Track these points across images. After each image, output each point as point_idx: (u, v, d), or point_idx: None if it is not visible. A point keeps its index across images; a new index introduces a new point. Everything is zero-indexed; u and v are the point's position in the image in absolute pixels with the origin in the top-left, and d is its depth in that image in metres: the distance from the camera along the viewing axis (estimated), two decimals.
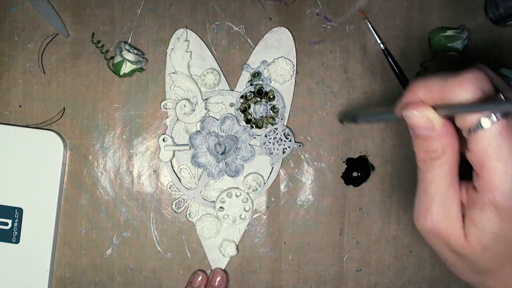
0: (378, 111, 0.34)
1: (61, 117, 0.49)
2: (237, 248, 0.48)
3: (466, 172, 0.27)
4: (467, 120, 0.24)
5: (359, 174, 0.48)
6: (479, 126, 0.23)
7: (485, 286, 0.29)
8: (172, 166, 0.48)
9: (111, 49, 0.48)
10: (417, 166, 0.27)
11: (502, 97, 0.23)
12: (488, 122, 0.23)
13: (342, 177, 0.48)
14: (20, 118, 0.48)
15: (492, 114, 0.23)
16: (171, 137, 0.48)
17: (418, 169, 0.27)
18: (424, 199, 0.26)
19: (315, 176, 0.48)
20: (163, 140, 0.48)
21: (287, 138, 0.48)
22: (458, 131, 0.26)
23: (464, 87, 0.23)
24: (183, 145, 0.48)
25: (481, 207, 0.25)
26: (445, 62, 0.48)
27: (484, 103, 0.23)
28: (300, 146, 0.48)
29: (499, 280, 0.27)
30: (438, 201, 0.26)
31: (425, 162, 0.26)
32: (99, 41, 0.48)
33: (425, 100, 0.26)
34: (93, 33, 0.48)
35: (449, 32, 0.46)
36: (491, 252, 0.25)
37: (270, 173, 0.48)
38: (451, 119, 0.26)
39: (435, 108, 0.25)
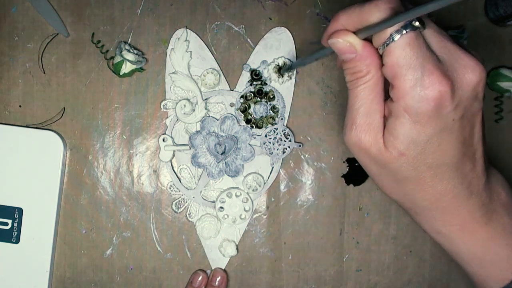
0: (310, 53, 0.37)
1: (61, 117, 0.49)
2: (237, 248, 0.48)
3: None
4: (381, 37, 0.27)
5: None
6: (391, 40, 0.26)
7: (407, 198, 0.30)
8: (172, 166, 0.48)
9: (111, 49, 0.48)
10: (347, 88, 0.30)
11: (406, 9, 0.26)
12: (398, 35, 0.26)
13: (343, 176, 0.48)
14: (20, 118, 0.48)
15: (402, 29, 0.26)
16: (171, 137, 0.48)
17: (348, 90, 0.30)
18: (351, 113, 0.29)
19: (315, 176, 0.48)
20: (163, 140, 0.48)
21: (287, 138, 0.48)
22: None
23: (378, 8, 0.26)
24: (183, 145, 0.48)
25: (395, 114, 0.27)
26: None
27: (392, 17, 0.26)
28: (300, 146, 0.48)
29: (420, 188, 0.29)
30: (362, 113, 0.28)
31: (352, 82, 0.29)
32: (99, 41, 0.48)
33: (347, 27, 0.28)
34: (93, 33, 0.48)
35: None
36: (407, 158, 0.28)
37: (270, 173, 0.48)
38: (371, 42, 0.28)
39: (356, 32, 0.28)
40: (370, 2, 0.27)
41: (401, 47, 0.26)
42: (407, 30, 0.26)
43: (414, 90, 0.26)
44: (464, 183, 0.29)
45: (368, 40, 0.29)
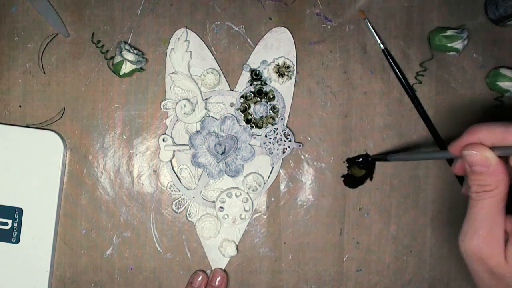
0: (417, 152, 0.37)
1: (61, 117, 0.49)
2: (237, 248, 0.48)
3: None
4: None
5: (364, 165, 0.48)
6: None
7: None
8: (172, 166, 0.48)
9: (111, 49, 0.48)
10: (469, 196, 0.31)
11: None
12: None
13: (342, 176, 0.48)
14: (20, 118, 0.48)
15: None
16: (171, 137, 0.48)
17: (470, 198, 0.31)
18: (473, 224, 0.30)
19: (315, 176, 0.48)
20: (163, 140, 0.48)
21: (287, 138, 0.48)
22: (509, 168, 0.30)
23: None
24: (183, 145, 0.48)
25: None
26: (445, 62, 0.48)
27: None
28: (300, 146, 0.48)
29: None
30: (485, 226, 0.29)
31: (478, 193, 0.30)
32: (99, 41, 0.48)
33: (484, 141, 0.30)
34: (93, 33, 0.48)
35: (449, 32, 0.46)
36: None
37: (270, 173, 0.48)
38: (504, 159, 0.29)
39: (492, 148, 0.29)
40: None
41: None
42: None
43: None
44: None
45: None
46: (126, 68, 0.46)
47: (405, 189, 0.48)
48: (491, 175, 0.29)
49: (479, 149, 0.29)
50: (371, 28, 0.48)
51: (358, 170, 0.48)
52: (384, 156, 0.45)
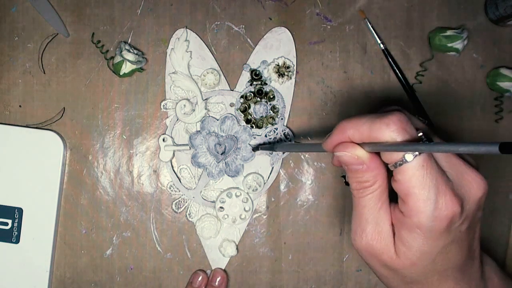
0: (301, 144, 0.37)
1: (61, 117, 0.49)
2: (237, 248, 0.48)
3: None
4: (392, 156, 0.27)
5: None
6: (404, 160, 0.27)
7: None
8: (172, 166, 0.48)
9: (111, 49, 0.48)
10: (352, 193, 0.30)
11: (424, 138, 0.28)
12: (411, 156, 0.26)
13: (343, 176, 0.48)
14: (20, 118, 0.48)
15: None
16: (171, 137, 0.48)
17: (352, 196, 0.30)
18: (359, 221, 0.30)
19: (315, 176, 0.48)
20: (163, 140, 0.48)
21: (287, 138, 0.48)
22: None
23: (390, 128, 0.27)
24: (183, 145, 0.48)
25: (408, 228, 0.28)
26: (445, 62, 0.48)
27: (405, 143, 0.26)
28: None
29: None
30: (371, 222, 0.29)
31: (359, 190, 0.30)
32: (99, 41, 0.48)
33: (353, 138, 0.29)
34: (93, 33, 0.48)
35: (449, 32, 0.46)
36: (418, 266, 0.29)
37: (270, 173, 0.48)
38: (377, 153, 0.29)
39: (363, 145, 0.29)
40: (381, 120, 0.27)
41: (414, 168, 0.26)
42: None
43: (427, 210, 0.27)
44: (465, 278, 0.31)
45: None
46: (126, 68, 0.46)
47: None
48: (367, 171, 0.29)
49: (349, 149, 0.29)
50: (371, 28, 0.48)
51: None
52: (271, 146, 0.44)
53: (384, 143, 0.27)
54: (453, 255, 0.29)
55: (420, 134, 0.28)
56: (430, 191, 0.26)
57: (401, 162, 0.27)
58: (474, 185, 0.28)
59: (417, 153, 0.26)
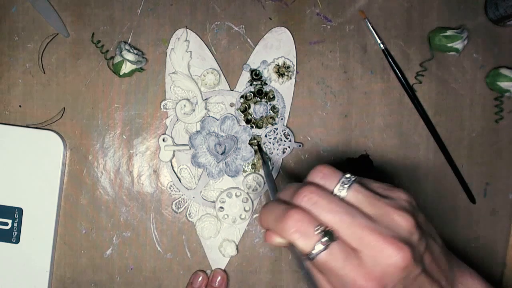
0: (271, 183, 0.39)
1: (61, 117, 0.49)
2: (237, 248, 0.48)
3: None
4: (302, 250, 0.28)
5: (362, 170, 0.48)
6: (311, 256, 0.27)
7: None
8: (172, 166, 0.48)
9: (111, 49, 0.48)
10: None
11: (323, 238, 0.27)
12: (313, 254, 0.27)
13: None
14: (20, 118, 0.48)
15: (314, 254, 0.27)
16: (171, 137, 0.48)
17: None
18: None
19: None
20: (163, 140, 0.48)
21: (287, 138, 0.48)
22: None
23: (290, 234, 0.27)
24: (183, 145, 0.48)
25: None
26: (445, 62, 0.48)
27: (301, 263, 0.28)
28: (300, 146, 0.48)
29: None
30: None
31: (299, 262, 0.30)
32: (99, 41, 0.48)
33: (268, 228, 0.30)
34: (93, 33, 0.48)
35: (449, 32, 0.46)
36: None
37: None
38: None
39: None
40: (281, 223, 0.28)
41: (320, 263, 0.27)
42: (319, 248, 0.27)
43: None
44: None
45: None
46: (126, 68, 0.46)
47: (405, 189, 0.48)
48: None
49: (271, 239, 0.29)
50: (371, 28, 0.48)
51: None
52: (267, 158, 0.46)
53: (291, 244, 0.28)
54: None
55: (318, 233, 0.27)
56: (341, 279, 0.27)
57: (311, 256, 0.27)
58: (391, 260, 0.27)
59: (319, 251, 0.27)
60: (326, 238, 0.27)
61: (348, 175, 0.30)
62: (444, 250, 0.32)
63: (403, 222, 0.28)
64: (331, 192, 0.29)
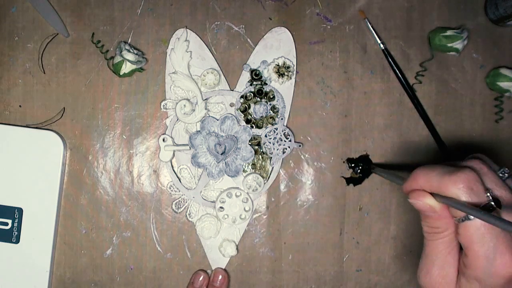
0: (391, 174, 0.39)
1: (61, 117, 0.49)
2: (237, 248, 0.48)
3: None
4: (457, 211, 0.29)
5: (361, 171, 0.48)
6: (466, 218, 0.28)
7: None
8: (172, 166, 0.48)
9: (111, 49, 0.48)
10: (423, 234, 0.32)
11: (492, 201, 0.28)
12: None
13: (343, 176, 0.48)
14: (20, 118, 0.48)
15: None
16: (171, 137, 0.48)
17: (424, 237, 0.32)
18: (427, 262, 0.31)
19: (315, 176, 0.48)
20: (163, 140, 0.48)
21: (287, 138, 0.48)
22: None
23: (456, 186, 0.28)
24: (183, 145, 0.48)
25: (467, 278, 0.29)
26: (445, 62, 0.48)
27: (470, 208, 0.27)
28: (300, 146, 0.48)
29: None
30: (438, 265, 0.31)
31: (430, 234, 0.31)
32: (99, 41, 0.48)
33: (424, 187, 0.30)
34: (93, 33, 0.48)
35: (449, 32, 0.46)
36: None
37: (270, 173, 0.48)
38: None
39: (435, 195, 0.30)
40: (450, 177, 0.29)
41: (476, 226, 0.28)
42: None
43: (485, 267, 0.28)
44: None
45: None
46: (126, 68, 0.46)
47: None
48: (438, 219, 0.30)
49: (420, 198, 0.30)
50: (371, 28, 0.48)
51: (353, 174, 0.48)
52: (372, 167, 0.46)
53: (451, 199, 0.28)
54: None
55: (488, 195, 0.28)
56: (489, 249, 0.27)
57: (463, 218, 0.28)
58: None
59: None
60: (493, 203, 0.27)
61: (507, 169, 0.31)
62: None
63: None
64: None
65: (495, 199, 0.28)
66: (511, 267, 0.27)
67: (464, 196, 0.28)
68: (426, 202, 0.30)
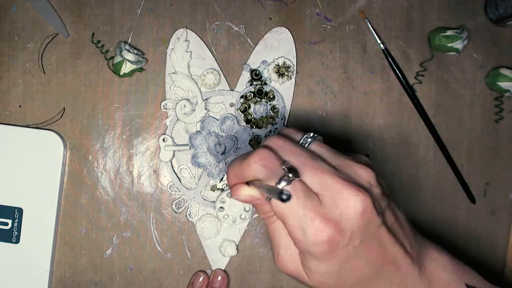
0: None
1: (61, 117, 0.49)
2: (237, 248, 0.48)
3: None
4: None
5: None
6: (269, 197, 0.28)
7: None
8: (172, 166, 0.48)
9: (111, 49, 0.48)
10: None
11: (287, 172, 0.27)
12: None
13: None
14: (20, 118, 0.48)
15: (278, 184, 0.27)
16: (171, 137, 0.48)
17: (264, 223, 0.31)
18: (274, 245, 0.31)
19: None
20: (163, 140, 0.48)
21: None
22: None
23: (252, 167, 0.28)
24: (183, 145, 0.48)
25: (301, 253, 0.29)
26: (445, 62, 0.48)
27: (262, 185, 0.28)
28: None
29: None
30: (283, 247, 0.30)
31: (266, 219, 0.31)
32: (99, 41, 0.48)
33: (237, 180, 0.30)
34: (93, 33, 0.48)
35: (449, 32, 0.46)
36: (328, 284, 0.30)
37: None
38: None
39: (251, 183, 0.30)
40: (246, 160, 0.29)
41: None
42: (283, 185, 0.27)
43: (302, 238, 0.27)
44: (393, 284, 0.30)
45: None
46: (126, 68, 0.46)
47: (405, 189, 0.48)
48: (266, 204, 0.30)
49: (238, 191, 0.30)
50: (371, 28, 0.48)
51: None
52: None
53: (255, 182, 0.29)
54: (360, 268, 0.29)
55: (284, 168, 0.28)
56: (299, 220, 0.27)
57: (269, 197, 0.28)
58: (350, 203, 0.27)
59: (280, 186, 0.27)
60: (291, 174, 0.27)
61: (312, 133, 0.31)
62: (409, 223, 0.32)
63: (363, 173, 0.29)
64: (297, 142, 0.30)
65: (292, 169, 0.27)
66: (325, 229, 0.27)
67: (261, 175, 0.28)
68: (245, 193, 0.29)
